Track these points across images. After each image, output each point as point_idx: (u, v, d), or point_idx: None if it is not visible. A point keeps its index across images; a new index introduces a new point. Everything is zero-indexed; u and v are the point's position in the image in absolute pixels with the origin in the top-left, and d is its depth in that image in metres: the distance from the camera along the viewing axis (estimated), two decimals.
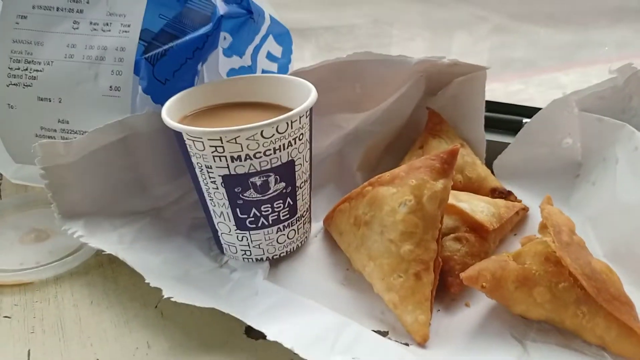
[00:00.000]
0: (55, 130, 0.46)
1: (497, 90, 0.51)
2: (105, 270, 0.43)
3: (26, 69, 0.46)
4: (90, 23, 0.45)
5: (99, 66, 0.45)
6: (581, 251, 0.36)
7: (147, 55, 0.43)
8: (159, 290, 0.37)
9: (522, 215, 0.47)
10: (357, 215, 0.40)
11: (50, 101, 0.46)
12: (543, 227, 0.37)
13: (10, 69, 0.46)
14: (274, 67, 0.54)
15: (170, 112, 0.40)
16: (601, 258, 0.41)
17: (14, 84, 0.46)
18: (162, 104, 0.42)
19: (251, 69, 0.51)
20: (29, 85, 0.46)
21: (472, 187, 0.48)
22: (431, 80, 0.55)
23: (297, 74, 0.47)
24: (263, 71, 0.53)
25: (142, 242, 0.43)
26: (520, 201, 0.48)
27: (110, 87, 0.45)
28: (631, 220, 0.41)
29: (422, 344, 0.35)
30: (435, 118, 0.53)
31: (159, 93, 0.44)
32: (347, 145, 0.53)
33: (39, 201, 0.51)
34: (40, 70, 0.46)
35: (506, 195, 0.48)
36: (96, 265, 0.44)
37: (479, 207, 0.42)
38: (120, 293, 0.41)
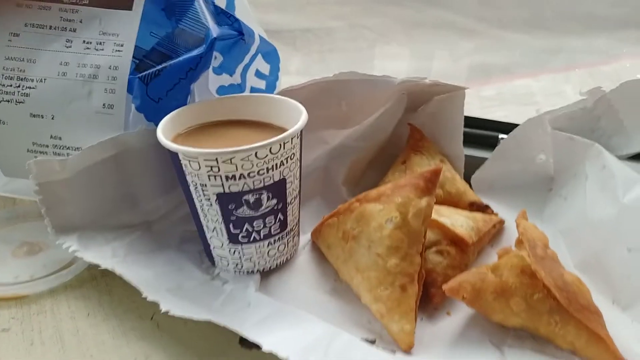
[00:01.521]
0: (47, 146, 0.47)
1: (469, 95, 0.54)
2: (98, 283, 0.44)
3: (19, 86, 0.46)
4: (84, 42, 0.46)
5: (92, 84, 0.46)
6: (554, 264, 0.39)
7: (140, 75, 0.45)
8: (153, 302, 0.38)
9: (498, 228, 0.49)
10: (345, 230, 0.42)
11: (42, 118, 0.47)
12: (519, 242, 0.40)
13: (3, 85, 0.46)
14: (262, 84, 0.55)
15: (165, 131, 0.42)
16: (572, 269, 0.44)
17: (6, 100, 0.46)
18: (155, 122, 0.44)
19: (240, 86, 0.53)
20: (22, 102, 0.47)
21: (452, 201, 0.50)
22: (412, 98, 0.57)
23: (285, 92, 0.49)
24: (252, 89, 0.54)
25: (134, 255, 0.44)
26: (497, 214, 0.51)
27: (104, 104, 0.46)
28: (599, 234, 0.44)
29: (407, 351, 0.37)
30: (416, 134, 0.55)
31: (152, 111, 0.46)
32: (333, 160, 0.55)
33: (29, 214, 0.51)
34: (33, 88, 0.46)
35: (483, 209, 0.50)
36: (89, 278, 0.45)
37: (459, 221, 0.45)
38: (115, 305, 0.42)
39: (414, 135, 0.56)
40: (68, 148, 0.47)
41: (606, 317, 0.38)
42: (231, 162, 0.38)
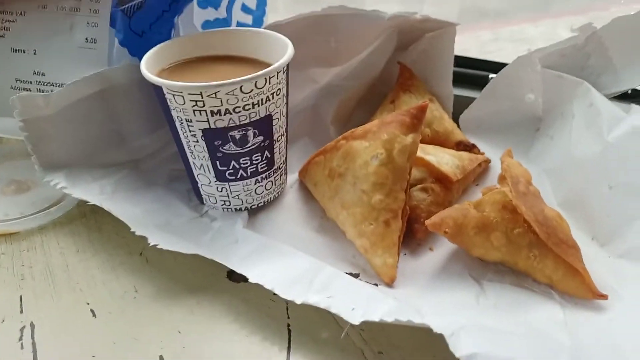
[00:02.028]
0: (30, 82, 0.47)
1: (467, 43, 0.53)
2: (88, 220, 0.45)
3: None
4: None
5: (74, 17, 0.45)
6: (535, 200, 0.40)
7: (123, 7, 0.44)
8: (142, 238, 0.39)
9: (484, 167, 0.50)
10: (332, 168, 0.42)
11: (24, 52, 0.46)
12: (502, 179, 0.40)
13: None
14: (248, 19, 0.54)
15: (149, 65, 0.41)
16: (555, 206, 0.45)
17: None
18: (139, 57, 0.43)
19: (226, 21, 0.52)
20: (2, 36, 0.46)
21: (439, 140, 0.50)
22: (403, 35, 0.56)
23: (272, 27, 0.48)
24: (238, 23, 0.53)
25: (122, 192, 0.45)
26: (483, 154, 0.51)
27: (86, 39, 0.45)
28: (583, 172, 0.45)
29: (389, 284, 0.38)
30: (406, 73, 0.55)
31: (135, 46, 0.45)
32: (321, 99, 0.55)
33: (16, 152, 0.51)
34: (13, 21, 0.45)
35: (470, 148, 0.51)
36: (79, 215, 0.45)
37: (444, 159, 0.45)
38: (104, 241, 0.43)
39: (403, 74, 0.55)
40: (52, 84, 0.46)
41: (585, 252, 0.39)
42: (216, 96, 0.37)
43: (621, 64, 0.49)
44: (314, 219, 0.45)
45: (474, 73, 0.61)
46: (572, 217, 0.42)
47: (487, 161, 0.50)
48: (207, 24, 0.50)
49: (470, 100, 0.56)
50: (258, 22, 0.55)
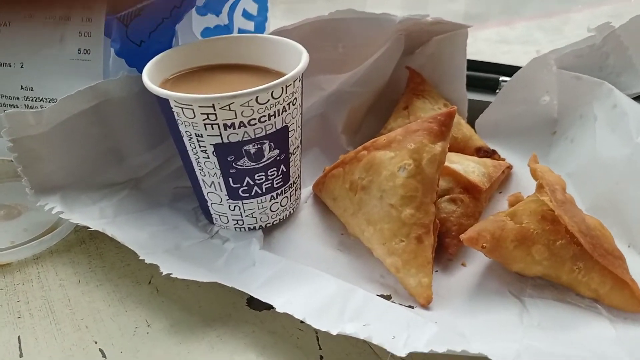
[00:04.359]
0: (18, 98, 0.43)
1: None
2: (88, 247, 0.41)
3: None
4: None
5: (65, 27, 0.41)
6: (574, 209, 0.37)
7: (119, 15, 0.40)
8: (150, 265, 0.35)
9: (507, 173, 0.47)
10: (353, 180, 0.39)
11: (10, 66, 0.42)
12: (540, 187, 0.38)
13: None
14: (250, 25, 0.51)
15: (151, 76, 0.37)
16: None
17: None
18: (138, 68, 0.40)
19: (228, 27, 0.48)
20: None
21: (458, 146, 0.48)
22: (410, 39, 0.54)
23: (278, 33, 0.45)
24: (239, 30, 0.50)
25: (124, 215, 0.41)
26: (504, 159, 0.49)
27: (79, 50, 0.41)
28: (612, 175, 0.43)
29: (425, 305, 0.35)
30: (416, 78, 0.52)
31: (133, 56, 0.42)
32: (329, 107, 0.52)
33: (3, 174, 0.47)
34: None
35: (491, 154, 0.48)
36: (77, 242, 0.42)
37: (469, 167, 0.42)
38: (108, 270, 0.39)
39: (413, 79, 0.52)
40: (41, 100, 0.42)
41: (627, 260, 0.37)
42: (230, 108, 0.34)
43: None
44: (334, 236, 0.42)
45: (484, 76, 0.58)
46: (604, 223, 0.40)
47: (510, 167, 0.48)
48: (207, 32, 0.47)
49: (482, 103, 0.54)
50: (260, 28, 0.52)
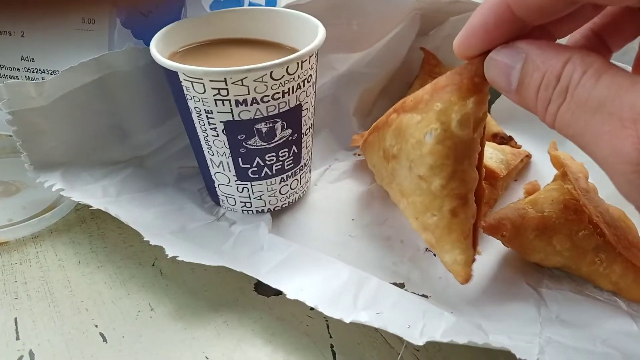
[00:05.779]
0: (18, 69, 0.41)
1: None
2: (89, 227, 0.39)
3: None
4: None
5: None
6: (597, 198, 0.36)
7: None
8: (153, 247, 0.34)
9: (525, 162, 0.46)
10: (385, 148, 0.36)
11: (10, 35, 0.40)
12: (563, 175, 0.36)
13: None
14: None
15: (159, 49, 0.36)
16: None
17: None
18: (145, 40, 0.38)
19: (238, 0, 0.46)
20: None
21: None
22: (425, 19, 0.52)
23: (291, 7, 0.43)
24: (250, 3, 0.48)
25: (128, 194, 0.39)
26: (520, 146, 0.47)
27: (83, 19, 0.39)
28: None
29: (464, 284, 0.32)
30: (432, 59, 0.50)
31: (140, 27, 0.40)
32: (341, 88, 0.50)
33: (1, 150, 0.45)
34: None
35: (507, 140, 0.47)
36: (78, 221, 0.40)
37: (487, 153, 0.41)
38: (110, 251, 0.37)
39: (429, 61, 0.51)
40: (43, 71, 0.40)
41: None
42: (242, 83, 0.32)
43: None
44: (345, 220, 0.41)
45: None
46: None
47: (529, 156, 0.46)
48: (216, 4, 0.45)
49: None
50: (271, 1, 0.49)
